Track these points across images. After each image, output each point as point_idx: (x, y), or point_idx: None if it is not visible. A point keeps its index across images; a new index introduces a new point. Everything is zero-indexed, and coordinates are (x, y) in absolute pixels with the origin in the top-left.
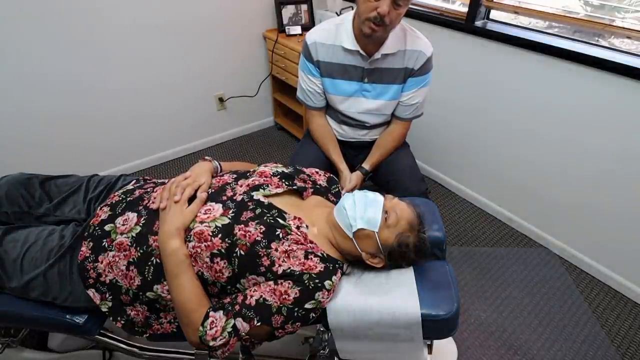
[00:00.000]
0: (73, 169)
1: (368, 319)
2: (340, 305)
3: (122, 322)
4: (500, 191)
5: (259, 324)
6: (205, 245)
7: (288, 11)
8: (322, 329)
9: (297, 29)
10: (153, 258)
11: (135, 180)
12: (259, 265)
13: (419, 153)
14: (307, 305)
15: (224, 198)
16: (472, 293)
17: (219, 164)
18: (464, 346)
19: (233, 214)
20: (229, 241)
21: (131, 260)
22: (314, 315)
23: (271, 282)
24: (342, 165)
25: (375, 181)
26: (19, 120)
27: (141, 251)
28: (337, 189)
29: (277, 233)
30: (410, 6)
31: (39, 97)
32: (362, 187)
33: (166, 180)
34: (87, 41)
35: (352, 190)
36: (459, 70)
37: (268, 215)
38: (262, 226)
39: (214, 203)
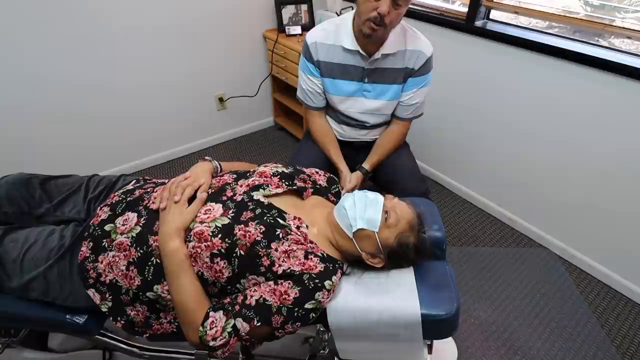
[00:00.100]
0: (73, 169)
1: (368, 319)
2: (340, 306)
3: (122, 322)
4: (500, 191)
5: (259, 324)
6: (205, 245)
7: (288, 11)
8: (322, 329)
9: (297, 29)
10: (153, 258)
11: (135, 180)
12: (259, 265)
13: (419, 153)
14: (307, 305)
15: (224, 198)
16: (472, 293)
17: (219, 164)
18: (464, 346)
19: (233, 214)
20: (229, 241)
21: (131, 260)
22: (314, 315)
23: (271, 282)
24: (342, 165)
25: (375, 181)
26: (19, 120)
27: (141, 251)
28: (337, 189)
29: (277, 233)
30: (410, 6)
31: (39, 97)
32: (362, 187)
33: (166, 180)
34: (87, 41)
35: (352, 190)
36: (459, 70)
37: (268, 215)
38: (262, 226)
39: (214, 203)
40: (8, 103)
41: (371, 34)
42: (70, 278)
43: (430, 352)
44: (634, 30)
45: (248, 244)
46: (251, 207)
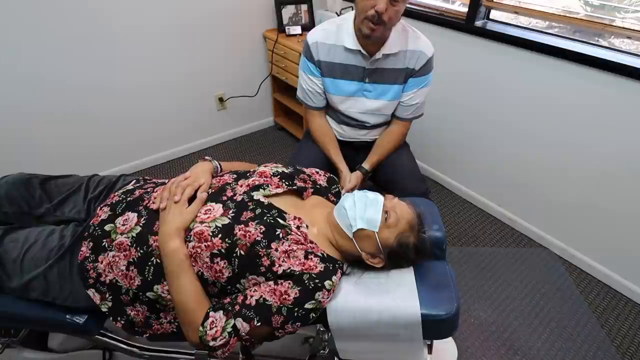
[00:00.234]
0: (73, 169)
1: (368, 319)
2: (340, 306)
3: (122, 322)
4: (500, 191)
5: (259, 324)
6: (205, 245)
7: (288, 11)
8: (322, 329)
9: (297, 29)
10: (153, 258)
11: (135, 180)
12: (259, 265)
13: (419, 153)
14: (307, 305)
15: (224, 198)
16: (472, 293)
17: (219, 164)
18: (464, 346)
19: (233, 214)
20: (229, 241)
21: (131, 260)
22: (314, 315)
23: (271, 282)
24: (342, 165)
25: (375, 181)
26: (20, 120)
27: (141, 251)
28: (337, 189)
29: (277, 233)
30: (410, 6)
31: (39, 97)
32: (362, 187)
33: (166, 180)
34: (87, 41)
35: (351, 190)
36: (459, 70)
37: (268, 215)
38: (262, 226)
39: (214, 203)
40: (8, 103)
41: (370, 34)
42: (70, 278)
43: (430, 352)
44: (634, 30)
45: (248, 244)
46: (251, 207)
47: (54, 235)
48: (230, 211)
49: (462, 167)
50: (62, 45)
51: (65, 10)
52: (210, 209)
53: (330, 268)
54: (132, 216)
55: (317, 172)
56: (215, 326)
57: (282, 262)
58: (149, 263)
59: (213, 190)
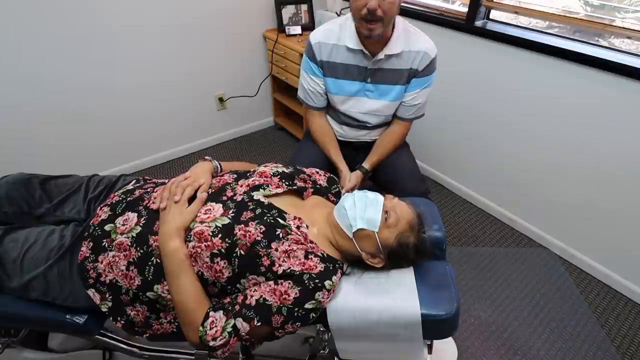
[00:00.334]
0: (73, 169)
1: (368, 319)
2: (340, 306)
3: (122, 322)
4: (500, 191)
5: (259, 324)
6: (205, 245)
7: (288, 11)
8: (322, 329)
9: (297, 29)
10: (153, 258)
11: (135, 180)
12: (259, 265)
13: (418, 153)
14: (307, 305)
15: (224, 198)
16: (472, 293)
17: (219, 163)
18: (464, 346)
19: (233, 214)
20: (229, 241)
21: (131, 260)
22: (314, 315)
23: (271, 282)
24: (342, 165)
25: (375, 181)
26: (20, 120)
27: (141, 251)
28: (337, 189)
29: (277, 233)
30: (410, 6)
31: (39, 97)
32: (362, 187)
33: (166, 180)
34: (88, 41)
35: (351, 189)
36: (459, 70)
37: (268, 215)
38: (262, 226)
39: (214, 203)
40: (8, 103)
41: (370, 34)
42: (70, 278)
43: (430, 352)
44: (634, 30)
45: (248, 243)
46: (251, 207)
47: (54, 235)
48: (231, 211)
49: (462, 167)
50: (62, 45)
51: (65, 11)
52: (210, 209)
53: (330, 268)
54: (132, 216)
55: (317, 172)
56: (215, 326)
57: (282, 262)
58: (149, 263)
59: (213, 190)
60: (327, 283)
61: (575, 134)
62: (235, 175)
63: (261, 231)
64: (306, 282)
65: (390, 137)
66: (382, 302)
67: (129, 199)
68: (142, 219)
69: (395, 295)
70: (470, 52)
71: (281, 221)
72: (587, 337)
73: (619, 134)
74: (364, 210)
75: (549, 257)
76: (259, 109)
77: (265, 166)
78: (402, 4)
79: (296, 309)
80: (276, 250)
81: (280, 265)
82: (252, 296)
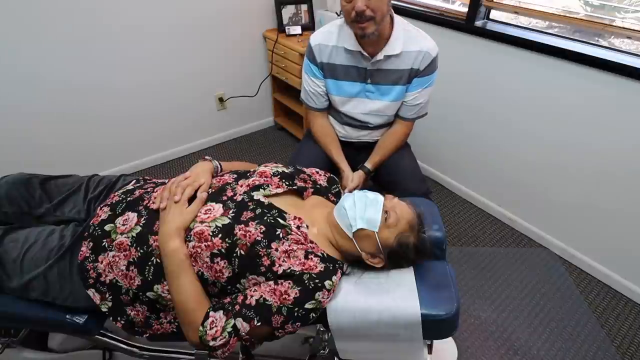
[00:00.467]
0: (73, 169)
1: (368, 319)
2: (340, 305)
3: (122, 322)
4: (500, 191)
5: (259, 324)
6: (205, 245)
7: (288, 11)
8: (322, 329)
9: (297, 29)
10: (153, 258)
11: (135, 180)
12: (259, 265)
13: (419, 153)
14: (307, 305)
15: (224, 198)
16: (472, 293)
17: (219, 163)
18: (464, 346)
19: (233, 214)
20: (229, 241)
21: (131, 260)
22: (314, 315)
23: (271, 282)
24: (344, 165)
25: (376, 181)
26: (20, 120)
27: (141, 251)
28: (337, 189)
29: (277, 233)
30: (410, 6)
31: (39, 97)
32: (363, 187)
33: (166, 180)
34: (88, 41)
35: (354, 189)
36: (459, 70)
37: (268, 215)
38: (262, 226)
39: (214, 203)
40: (8, 103)
41: (362, 33)
42: (70, 278)
43: (430, 352)
44: (634, 30)
45: (248, 243)
46: (251, 207)
47: (54, 235)
48: (231, 211)
49: (462, 167)
50: (62, 45)
51: (65, 11)
52: (210, 209)
53: (330, 268)
54: (132, 216)
55: (318, 172)
56: (215, 326)
57: (282, 262)
58: (149, 263)
59: (213, 190)
60: (327, 283)
61: (575, 134)
62: (235, 175)
63: (261, 231)
64: (306, 282)
65: (393, 137)
66: (382, 302)
67: (129, 199)
68: (142, 218)
69: (395, 295)
70: (470, 52)
71: (281, 221)
72: (587, 337)
73: (619, 134)
74: (364, 210)
75: (549, 257)
76: (259, 109)
77: (266, 166)
78: (403, 4)
79: (296, 309)
80: (276, 250)
81: (280, 265)
82: (252, 296)
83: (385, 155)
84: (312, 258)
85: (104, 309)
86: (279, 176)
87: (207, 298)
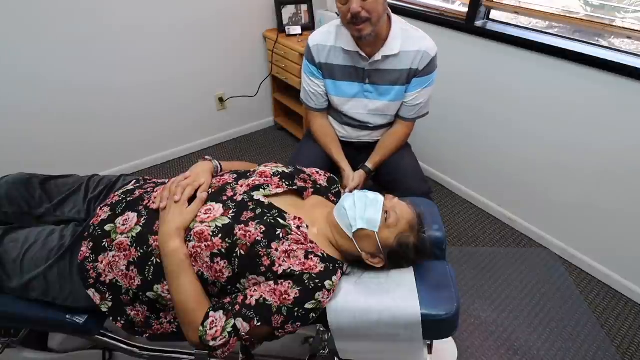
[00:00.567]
0: (73, 169)
1: (368, 319)
2: (340, 305)
3: (122, 322)
4: (500, 191)
5: (259, 324)
6: (205, 245)
7: (288, 11)
8: (322, 329)
9: (297, 29)
10: (153, 258)
11: (135, 180)
12: (259, 265)
13: (419, 153)
14: (307, 305)
15: (224, 198)
16: (472, 293)
17: (219, 163)
18: (464, 346)
19: (233, 214)
20: (229, 241)
21: (131, 260)
22: (314, 315)
23: (271, 282)
24: (344, 164)
25: (377, 181)
26: (20, 120)
27: (141, 251)
28: (337, 189)
29: (277, 233)
30: (410, 6)
31: (39, 97)
32: (364, 186)
33: (166, 180)
34: (88, 41)
35: (355, 189)
36: (459, 70)
37: (268, 215)
38: (262, 226)
39: (214, 203)
40: (8, 103)
41: (360, 35)
42: (70, 278)
43: (430, 352)
44: (634, 30)
45: (248, 243)
46: (251, 207)
47: (54, 235)
48: (231, 211)
49: (462, 167)
50: (63, 46)
51: (65, 11)
52: (210, 209)
53: (330, 268)
54: (132, 216)
55: (318, 172)
56: (215, 326)
57: (283, 262)
58: (149, 263)
59: (213, 190)
60: (327, 283)
61: (575, 134)
62: (235, 175)
63: (261, 231)
64: (306, 282)
65: (393, 137)
66: (382, 302)
67: (129, 199)
68: (142, 218)
69: (395, 295)
70: (470, 52)
71: (281, 221)
72: (587, 337)
73: (619, 134)
74: (364, 210)
75: (549, 257)
76: (259, 109)
77: (266, 166)
78: (403, 4)
79: (296, 309)
80: (276, 250)
81: (280, 265)
82: (252, 296)
83: (386, 156)
84: (312, 258)
85: (104, 309)
86: (279, 176)
87: (207, 298)
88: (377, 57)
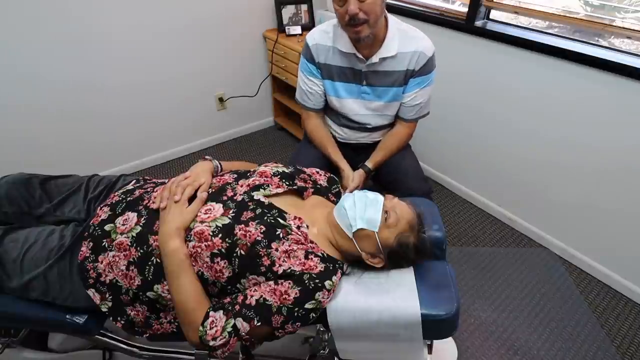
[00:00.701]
0: (73, 169)
1: (368, 319)
2: (340, 305)
3: (122, 322)
4: (500, 191)
5: (259, 324)
6: (205, 245)
7: (288, 11)
8: (322, 329)
9: (297, 29)
10: (153, 258)
11: (135, 180)
12: (260, 265)
13: (419, 153)
14: (307, 305)
15: (225, 198)
16: (472, 293)
17: (219, 163)
18: (464, 346)
19: (233, 214)
20: (229, 241)
21: (131, 260)
22: (314, 315)
23: (271, 282)
24: (343, 164)
25: (377, 181)
26: (19, 120)
27: (141, 251)
28: (337, 189)
29: (277, 233)
30: (410, 6)
31: (39, 97)
32: (363, 186)
33: (166, 180)
34: (88, 41)
35: (355, 189)
36: (459, 70)
37: (268, 215)
38: (262, 226)
39: (214, 203)
40: (8, 103)
41: (358, 37)
42: (70, 278)
43: (430, 352)
44: (634, 30)
45: (248, 243)
46: (251, 207)
47: (54, 235)
48: (231, 211)
49: (462, 167)
50: (62, 46)
51: (65, 10)
52: (210, 209)
53: (331, 268)
54: (132, 216)
55: (318, 172)
56: (215, 326)
57: (283, 262)
58: (149, 263)
59: (213, 190)
60: (327, 283)
61: (575, 134)
62: (235, 175)
63: (261, 231)
64: (306, 282)
65: (394, 138)
66: (382, 302)
67: (129, 198)
68: (142, 218)
69: (395, 295)
70: (470, 52)
71: (281, 221)
72: (587, 337)
73: (619, 134)
74: (364, 210)
75: (549, 257)
76: (259, 109)
77: (266, 166)
78: (403, 4)
79: (296, 309)
80: (276, 250)
81: (280, 265)
82: (252, 296)
83: (387, 156)
84: (312, 258)
85: (104, 309)
86: (279, 176)
87: (207, 298)
88: (375, 59)
